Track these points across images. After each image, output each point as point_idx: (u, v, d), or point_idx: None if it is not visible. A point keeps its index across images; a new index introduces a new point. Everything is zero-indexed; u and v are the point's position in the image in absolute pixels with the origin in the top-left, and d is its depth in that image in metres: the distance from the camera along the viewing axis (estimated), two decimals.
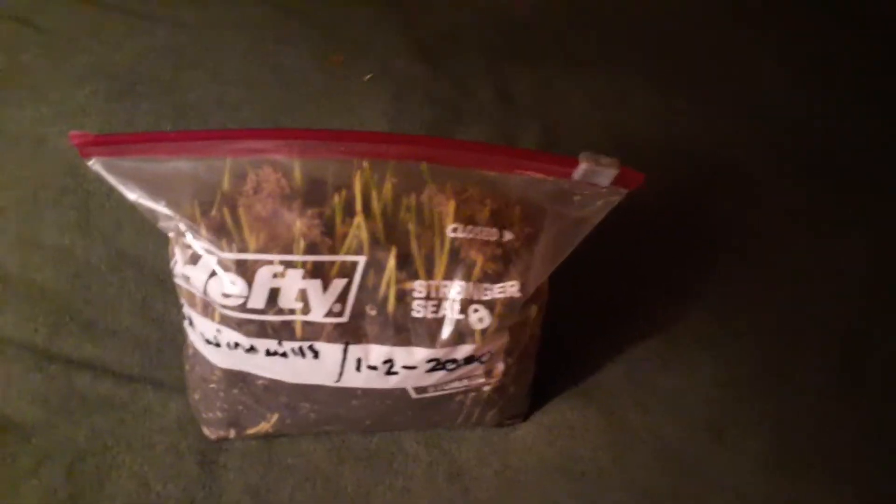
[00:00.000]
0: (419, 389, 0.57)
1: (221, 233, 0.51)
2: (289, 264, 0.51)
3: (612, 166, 0.51)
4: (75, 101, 0.83)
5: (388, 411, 0.59)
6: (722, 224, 0.83)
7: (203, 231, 0.51)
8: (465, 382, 0.58)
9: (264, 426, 0.60)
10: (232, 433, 0.61)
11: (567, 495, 0.62)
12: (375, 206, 0.52)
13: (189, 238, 0.51)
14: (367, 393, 0.57)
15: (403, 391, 0.57)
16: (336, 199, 0.52)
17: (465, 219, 0.53)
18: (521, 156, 0.51)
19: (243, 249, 0.51)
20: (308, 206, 0.52)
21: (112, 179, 0.49)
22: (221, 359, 0.56)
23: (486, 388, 0.59)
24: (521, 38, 1.03)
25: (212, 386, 0.58)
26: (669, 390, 0.70)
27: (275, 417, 0.59)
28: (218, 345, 0.54)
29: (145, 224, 0.62)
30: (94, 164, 0.49)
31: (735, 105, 0.96)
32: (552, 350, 0.68)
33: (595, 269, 0.73)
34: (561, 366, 0.69)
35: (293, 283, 0.51)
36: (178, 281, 0.53)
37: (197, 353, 0.57)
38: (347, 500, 0.60)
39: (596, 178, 0.51)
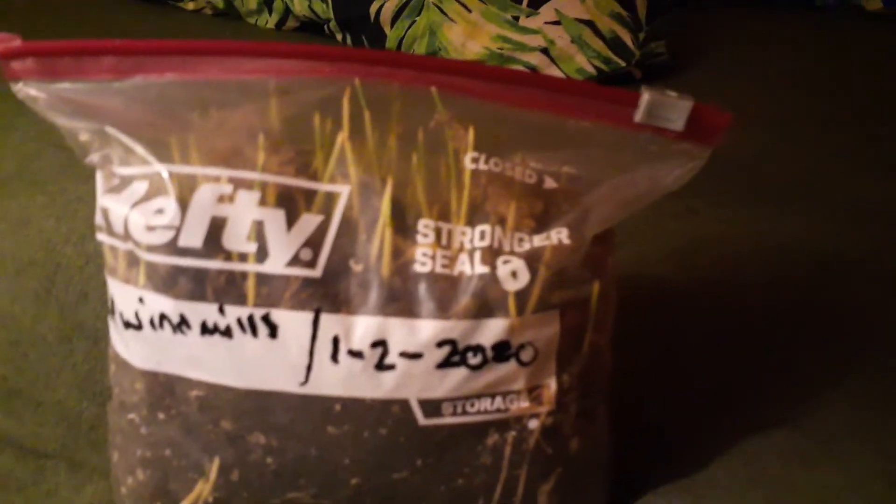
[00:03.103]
0: (429, 406, 0.37)
1: (160, 146, 0.37)
2: (241, 183, 0.36)
3: (683, 98, 0.38)
4: (75, 193, 0.75)
5: (384, 455, 0.38)
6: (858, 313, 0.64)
7: (138, 148, 0.37)
8: (500, 403, 0.38)
9: (203, 489, 0.40)
10: None
11: None
12: (368, 130, 0.39)
13: (118, 166, 0.38)
14: (351, 411, 0.37)
15: (405, 410, 0.37)
16: (318, 125, 0.38)
17: (490, 149, 0.39)
18: (565, 88, 0.38)
19: (184, 162, 0.37)
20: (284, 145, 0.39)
21: (42, 105, 0.38)
22: (143, 353, 0.38)
23: (533, 425, 0.39)
24: None
25: (131, 418, 0.40)
26: (818, 488, 0.46)
27: (215, 467, 0.39)
28: (139, 327, 0.38)
29: None
30: (24, 89, 0.38)
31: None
32: (647, 436, 0.48)
33: (702, 344, 0.55)
34: (657, 454, 0.48)
35: (245, 212, 0.36)
36: (98, 225, 0.39)
37: (117, 366, 0.40)
38: None
39: (666, 114, 0.38)
